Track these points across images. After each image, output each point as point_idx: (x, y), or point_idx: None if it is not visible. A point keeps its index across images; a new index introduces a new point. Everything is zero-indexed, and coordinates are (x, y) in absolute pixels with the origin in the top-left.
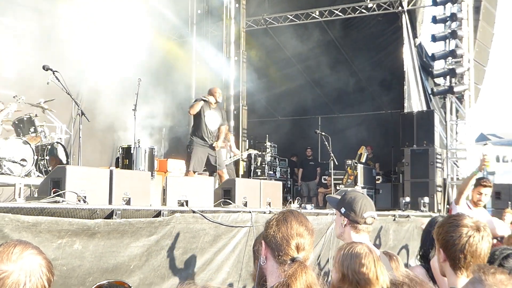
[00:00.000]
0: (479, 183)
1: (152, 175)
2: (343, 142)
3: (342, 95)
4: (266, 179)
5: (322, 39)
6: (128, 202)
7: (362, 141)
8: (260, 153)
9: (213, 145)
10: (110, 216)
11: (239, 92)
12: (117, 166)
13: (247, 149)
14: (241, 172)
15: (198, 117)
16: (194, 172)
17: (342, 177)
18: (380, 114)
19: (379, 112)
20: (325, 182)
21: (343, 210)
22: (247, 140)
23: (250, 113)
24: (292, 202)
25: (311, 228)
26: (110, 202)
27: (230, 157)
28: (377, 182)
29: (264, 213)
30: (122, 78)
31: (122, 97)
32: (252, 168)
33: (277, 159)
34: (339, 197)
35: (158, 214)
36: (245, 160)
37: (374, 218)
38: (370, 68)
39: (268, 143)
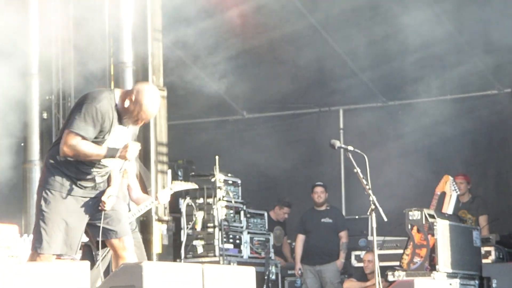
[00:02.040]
0: None
1: None
2: (396, 168)
3: (388, 61)
4: (217, 261)
5: None
6: None
7: (444, 162)
8: (200, 201)
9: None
10: None
11: (146, 57)
12: None
13: (171, 186)
14: (157, 246)
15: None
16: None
17: (401, 252)
18: (485, 97)
19: (483, 92)
20: (360, 265)
21: None
22: (172, 168)
23: (176, 107)
24: None
25: None
26: None
27: (130, 212)
28: (485, 261)
29: None
30: None
31: None
32: (184, 236)
33: (243, 213)
34: None
35: None
36: (164, 220)
37: None
38: None
39: (219, 175)
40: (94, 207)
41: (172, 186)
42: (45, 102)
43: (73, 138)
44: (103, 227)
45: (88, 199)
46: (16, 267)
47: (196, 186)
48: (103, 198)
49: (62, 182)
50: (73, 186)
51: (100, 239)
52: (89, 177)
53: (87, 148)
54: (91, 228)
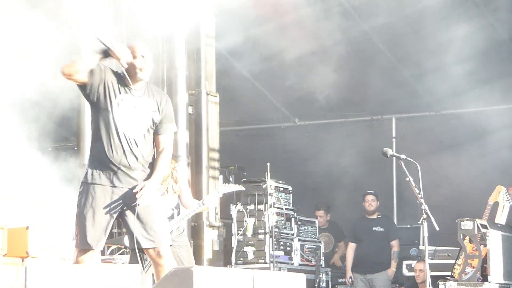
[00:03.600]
0: None
1: None
2: (449, 177)
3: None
4: (268, 268)
5: None
6: None
7: (498, 172)
8: (251, 208)
9: (135, 189)
10: None
11: (199, 63)
12: None
13: (218, 190)
14: (208, 251)
15: (95, 110)
16: (87, 251)
17: (453, 262)
18: None
19: None
20: (411, 274)
21: None
22: (223, 173)
23: (228, 114)
24: None
25: None
26: None
27: (179, 216)
28: None
29: None
30: None
31: None
32: (235, 242)
33: (293, 220)
34: None
35: None
36: (215, 226)
37: None
38: None
39: (270, 182)
40: (124, 201)
41: (219, 189)
42: None
43: None
44: (136, 236)
45: (118, 194)
46: (68, 269)
47: (243, 188)
48: (137, 189)
49: (92, 173)
50: (101, 177)
51: (132, 246)
52: (113, 168)
53: None
54: (128, 234)
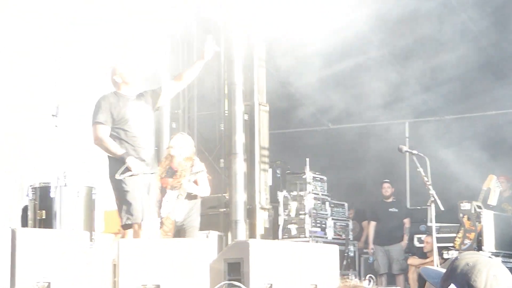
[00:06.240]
0: None
1: (91, 239)
2: (451, 168)
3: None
4: (307, 241)
5: None
6: None
7: (489, 166)
8: (294, 194)
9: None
10: None
11: (252, 79)
12: (24, 224)
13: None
14: (260, 228)
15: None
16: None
17: (454, 235)
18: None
19: None
20: (421, 245)
21: None
22: (272, 167)
23: (276, 119)
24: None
25: None
26: None
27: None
28: None
29: None
30: None
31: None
32: (282, 221)
33: (327, 203)
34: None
35: None
36: (266, 208)
37: None
38: None
39: (309, 173)
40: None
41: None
42: (174, 115)
43: None
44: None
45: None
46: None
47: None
48: None
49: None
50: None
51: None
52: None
53: None
54: None
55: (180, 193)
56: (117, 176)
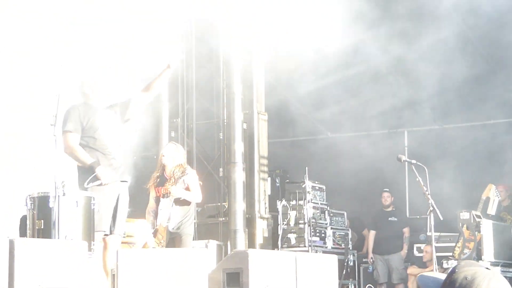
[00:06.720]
0: None
1: (90, 249)
2: (450, 178)
3: (448, 90)
4: (307, 250)
5: None
6: None
7: (488, 175)
8: (293, 203)
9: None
10: None
11: (251, 88)
12: (22, 234)
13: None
14: (259, 237)
15: None
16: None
17: (453, 245)
18: None
19: None
20: (420, 255)
21: None
22: (271, 176)
23: (276, 129)
24: None
25: None
26: None
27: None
28: None
29: None
30: None
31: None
32: (280, 230)
33: (327, 212)
34: (443, 277)
35: None
36: (265, 217)
37: None
38: None
39: (308, 182)
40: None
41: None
42: (173, 124)
43: None
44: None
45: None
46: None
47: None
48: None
49: None
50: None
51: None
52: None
53: None
54: None
55: (171, 200)
56: (85, 185)
